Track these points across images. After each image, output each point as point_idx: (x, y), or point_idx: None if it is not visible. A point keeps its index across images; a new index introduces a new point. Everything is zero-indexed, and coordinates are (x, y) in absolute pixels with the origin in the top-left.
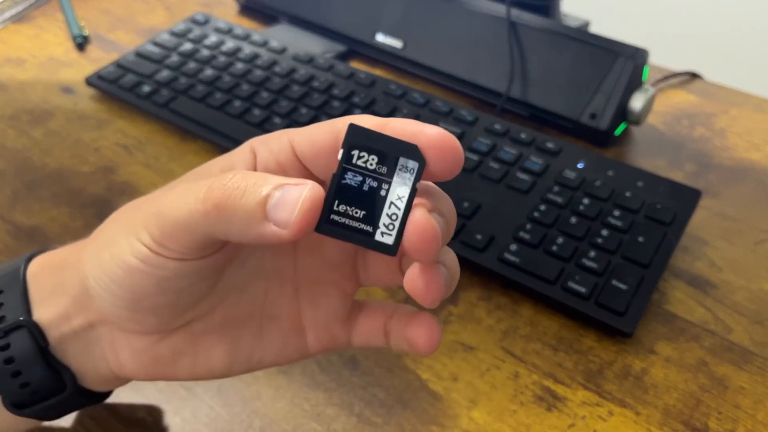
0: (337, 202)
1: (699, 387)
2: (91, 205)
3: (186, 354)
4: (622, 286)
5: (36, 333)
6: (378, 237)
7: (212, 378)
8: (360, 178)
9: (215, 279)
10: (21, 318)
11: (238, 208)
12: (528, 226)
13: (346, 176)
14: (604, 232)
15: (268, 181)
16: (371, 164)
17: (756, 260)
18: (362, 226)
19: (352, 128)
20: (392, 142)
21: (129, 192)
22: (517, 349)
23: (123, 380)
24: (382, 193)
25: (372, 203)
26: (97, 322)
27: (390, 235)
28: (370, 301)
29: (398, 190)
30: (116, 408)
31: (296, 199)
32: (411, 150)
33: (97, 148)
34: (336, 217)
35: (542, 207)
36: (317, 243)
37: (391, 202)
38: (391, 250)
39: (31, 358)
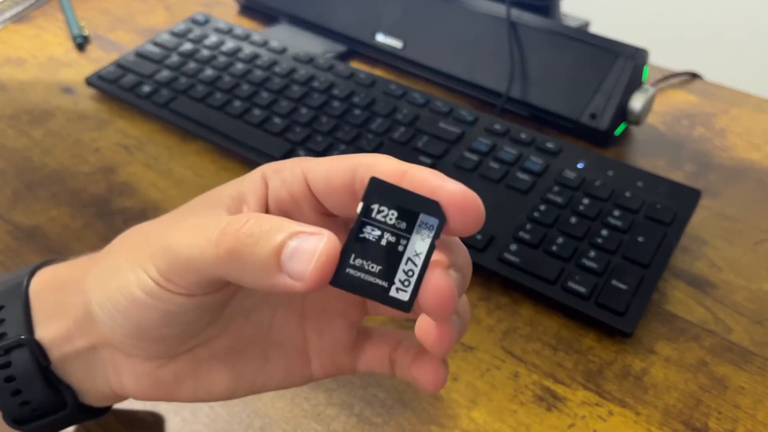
0: (354, 255)
1: (699, 387)
2: (91, 205)
3: (188, 378)
4: (622, 286)
5: (37, 352)
6: (393, 293)
7: (214, 401)
8: (378, 233)
9: (221, 310)
10: (22, 336)
11: (251, 256)
12: (528, 226)
13: (364, 230)
14: (604, 232)
15: (283, 229)
16: (390, 219)
17: (756, 260)
18: (378, 281)
19: (374, 182)
20: (413, 197)
21: (129, 192)
22: (517, 349)
23: (124, 397)
24: (400, 248)
25: (389, 258)
26: (99, 345)
27: (405, 291)
28: (376, 327)
29: (416, 247)
30: (116, 408)
31: (312, 251)
32: (432, 207)
33: (97, 148)
34: (351, 271)
35: (542, 207)
36: None
37: (409, 258)
38: (406, 306)
39: (32, 377)
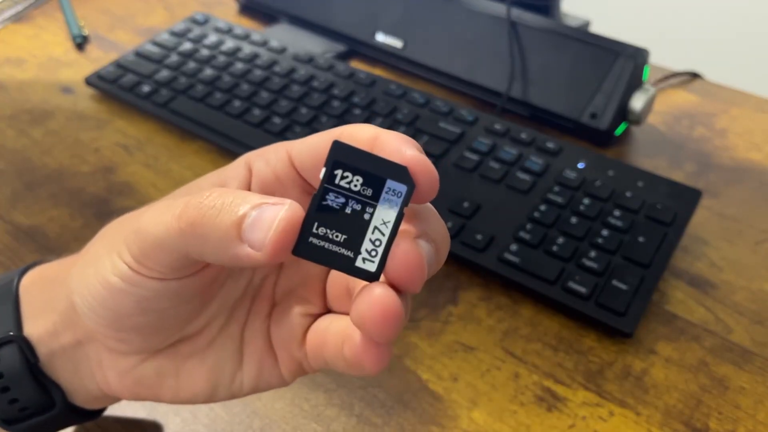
0: (316, 224)
1: (699, 387)
2: (90, 205)
3: (170, 376)
4: (623, 286)
5: (26, 348)
6: (359, 263)
7: (196, 403)
8: (342, 200)
9: (199, 302)
10: (11, 333)
11: (212, 227)
12: (528, 226)
13: (327, 197)
14: (605, 232)
15: (246, 200)
16: (355, 185)
17: (756, 260)
18: (343, 250)
19: (337, 146)
20: (380, 162)
21: (128, 192)
22: (517, 350)
23: (113, 399)
24: (366, 216)
25: (355, 227)
26: (85, 340)
27: (372, 262)
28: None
29: (384, 215)
30: (116, 408)
31: (272, 219)
32: (400, 172)
33: (97, 148)
34: (315, 240)
35: (542, 207)
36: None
37: (376, 227)
38: (373, 277)
39: (20, 373)
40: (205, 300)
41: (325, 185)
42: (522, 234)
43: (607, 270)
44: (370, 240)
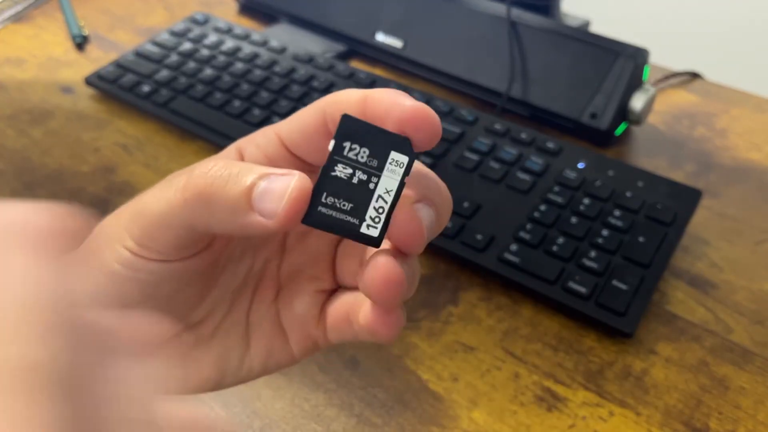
0: (325, 194)
1: (699, 387)
2: (90, 205)
3: (176, 368)
4: (623, 287)
5: None
6: (363, 229)
7: (205, 391)
8: (350, 171)
9: (202, 285)
10: None
11: (221, 196)
12: (528, 226)
13: (336, 168)
14: (605, 232)
15: (253, 170)
16: (362, 157)
17: (756, 260)
18: (349, 218)
19: (345, 120)
20: (384, 135)
21: (128, 192)
22: (517, 350)
23: None
24: (371, 186)
25: (360, 196)
26: None
27: (375, 228)
28: (338, 292)
29: (387, 184)
30: None
31: (284, 188)
32: (402, 144)
33: (97, 148)
34: (323, 209)
35: (542, 207)
36: (302, 237)
37: (379, 196)
38: (376, 242)
39: None
40: (208, 284)
41: (334, 156)
42: (522, 234)
43: (607, 270)
44: (374, 207)
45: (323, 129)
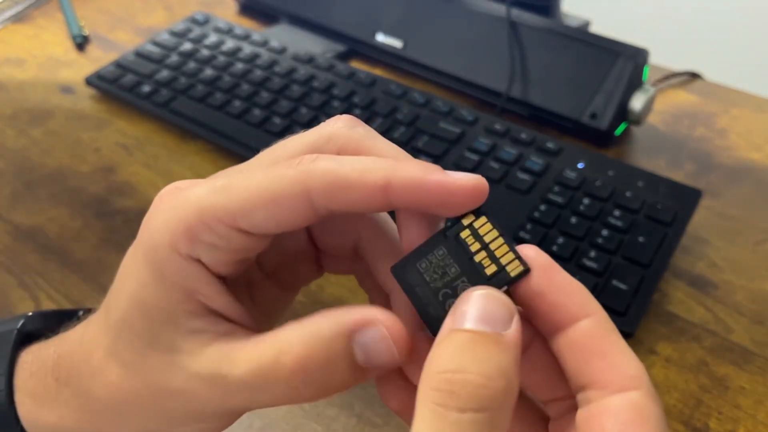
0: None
1: (699, 387)
2: (90, 205)
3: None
4: (623, 287)
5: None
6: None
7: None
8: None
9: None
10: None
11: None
12: (528, 226)
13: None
14: (605, 232)
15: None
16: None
17: (756, 260)
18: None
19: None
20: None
21: (128, 192)
22: None
23: None
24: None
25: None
26: None
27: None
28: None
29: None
30: None
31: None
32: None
33: (97, 148)
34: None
35: (542, 207)
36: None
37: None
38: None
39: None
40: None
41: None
42: (522, 234)
43: (607, 270)
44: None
45: (302, 203)
